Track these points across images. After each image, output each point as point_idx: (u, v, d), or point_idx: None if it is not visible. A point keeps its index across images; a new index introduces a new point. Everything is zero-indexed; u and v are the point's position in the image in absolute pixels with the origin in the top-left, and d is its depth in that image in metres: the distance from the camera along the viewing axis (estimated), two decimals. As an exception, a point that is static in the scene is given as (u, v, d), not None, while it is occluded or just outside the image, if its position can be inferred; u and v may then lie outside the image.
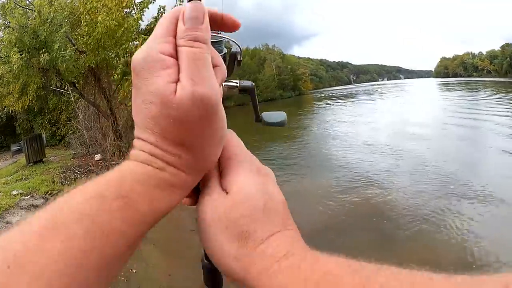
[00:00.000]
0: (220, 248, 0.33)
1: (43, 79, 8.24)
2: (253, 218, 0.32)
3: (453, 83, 68.31)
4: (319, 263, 0.29)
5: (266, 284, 0.29)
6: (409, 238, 5.01)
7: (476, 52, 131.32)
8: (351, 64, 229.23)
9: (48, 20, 6.96)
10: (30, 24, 7.17)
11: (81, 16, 7.56)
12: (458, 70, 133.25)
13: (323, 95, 69.67)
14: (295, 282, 0.27)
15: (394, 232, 5.31)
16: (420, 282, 0.24)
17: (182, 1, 9.08)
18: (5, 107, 11.43)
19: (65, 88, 11.43)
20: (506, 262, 4.07)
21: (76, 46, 7.93)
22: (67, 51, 7.07)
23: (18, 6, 7.40)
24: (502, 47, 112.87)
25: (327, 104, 41.40)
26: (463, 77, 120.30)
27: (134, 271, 4.24)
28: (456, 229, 5.25)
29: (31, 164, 9.31)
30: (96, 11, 7.51)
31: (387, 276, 0.25)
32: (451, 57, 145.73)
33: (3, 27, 7.90)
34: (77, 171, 8.36)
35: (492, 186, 6.94)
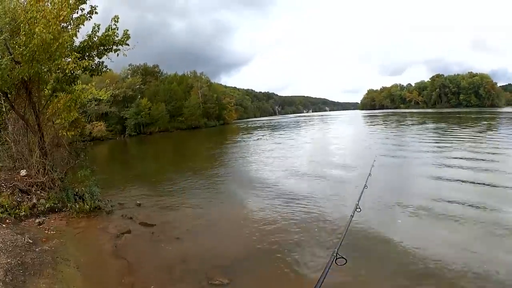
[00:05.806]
0: None
1: (-23, 84, 7.68)
2: None
3: (378, 115, 74.40)
4: None
5: None
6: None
7: (405, 84, 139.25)
8: (277, 95, 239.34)
9: (-9, 25, 6.69)
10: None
11: (21, 25, 7.36)
12: (385, 102, 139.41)
13: (248, 125, 70.77)
14: None
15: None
16: None
17: (117, 22, 8.97)
18: None
19: (-3, 97, 10.71)
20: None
21: (13, 56, 7.65)
22: (4, 59, 6.81)
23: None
24: (432, 78, 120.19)
25: (250, 133, 42.27)
26: (390, 108, 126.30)
27: (54, 292, 4.21)
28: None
29: (-46, 171, 8.49)
30: (35, 21, 7.35)
31: None
32: (379, 89, 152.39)
33: None
34: (2, 184, 7.88)
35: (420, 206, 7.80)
